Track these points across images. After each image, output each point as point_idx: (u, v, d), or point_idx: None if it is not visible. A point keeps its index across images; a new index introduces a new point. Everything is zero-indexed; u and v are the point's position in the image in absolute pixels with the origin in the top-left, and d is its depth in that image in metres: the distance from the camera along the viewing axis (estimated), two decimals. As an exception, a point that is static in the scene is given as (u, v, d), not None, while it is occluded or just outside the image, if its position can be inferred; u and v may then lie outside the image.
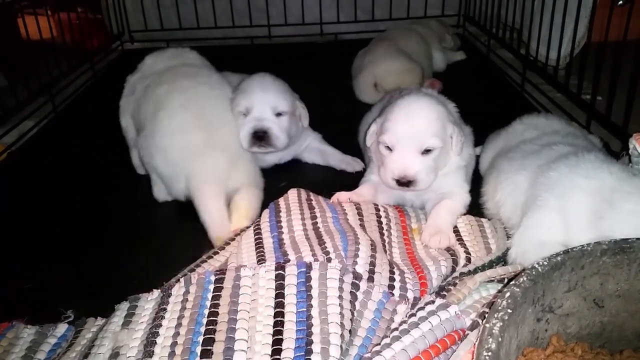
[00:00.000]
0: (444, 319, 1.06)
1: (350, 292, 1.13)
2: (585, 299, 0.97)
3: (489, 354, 0.78)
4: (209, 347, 1.01)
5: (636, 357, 0.96)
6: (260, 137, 1.78)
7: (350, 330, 1.06)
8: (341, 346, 1.00)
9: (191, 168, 1.65)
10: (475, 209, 1.61)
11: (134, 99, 1.93)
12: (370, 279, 1.20)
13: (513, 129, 1.76)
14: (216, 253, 1.43)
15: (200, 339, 1.03)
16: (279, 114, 1.83)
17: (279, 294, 1.11)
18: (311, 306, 1.07)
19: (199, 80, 1.87)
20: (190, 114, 1.72)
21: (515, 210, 1.42)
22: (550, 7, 2.44)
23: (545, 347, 0.94)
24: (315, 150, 2.05)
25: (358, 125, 2.05)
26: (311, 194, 1.57)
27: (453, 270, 1.33)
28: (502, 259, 1.38)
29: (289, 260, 1.21)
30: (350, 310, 1.09)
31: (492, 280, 1.27)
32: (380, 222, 1.49)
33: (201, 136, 1.69)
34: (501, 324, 0.82)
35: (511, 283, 0.88)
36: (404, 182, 1.47)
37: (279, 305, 1.09)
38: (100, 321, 1.23)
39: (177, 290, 1.17)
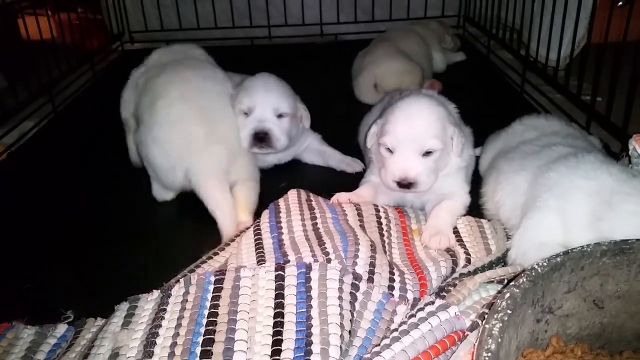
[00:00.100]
0: (444, 320, 1.06)
1: (350, 292, 1.13)
2: (585, 300, 0.97)
3: (489, 354, 0.78)
4: (208, 348, 1.01)
5: (636, 358, 0.96)
6: (261, 138, 1.79)
7: (350, 331, 1.06)
8: (341, 347, 1.00)
9: (192, 161, 1.66)
10: (475, 209, 1.61)
11: (136, 92, 1.93)
12: (370, 280, 1.20)
13: (513, 130, 1.76)
14: (216, 254, 1.43)
15: (200, 339, 1.03)
16: (280, 116, 1.83)
17: (279, 295, 1.11)
18: (311, 307, 1.07)
19: (201, 73, 1.87)
20: (190, 105, 1.72)
21: (514, 211, 1.42)
22: (550, 8, 2.44)
23: (544, 348, 0.95)
24: (315, 150, 2.06)
25: (358, 126, 2.05)
26: (311, 194, 1.57)
27: (453, 271, 1.33)
28: (501, 260, 1.38)
29: (288, 261, 1.21)
30: (350, 310, 1.09)
31: (492, 281, 1.27)
32: (380, 223, 1.49)
33: (203, 129, 1.69)
34: (501, 324, 0.82)
35: (511, 284, 0.88)
36: (405, 184, 1.47)
37: (279, 305, 1.09)
38: (100, 321, 1.23)
39: (177, 290, 1.17)
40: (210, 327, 1.05)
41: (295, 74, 2.40)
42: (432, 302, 1.11)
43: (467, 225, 1.52)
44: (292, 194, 1.55)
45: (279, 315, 1.07)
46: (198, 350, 1.01)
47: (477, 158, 1.84)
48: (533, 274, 0.89)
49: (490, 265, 1.35)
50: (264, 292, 1.12)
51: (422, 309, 1.09)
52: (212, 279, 1.17)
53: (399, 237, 1.47)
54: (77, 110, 2.79)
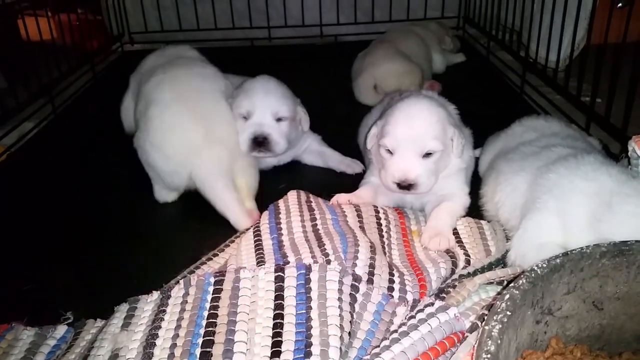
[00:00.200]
0: (443, 321, 1.06)
1: (350, 294, 1.13)
2: (585, 301, 0.97)
3: (488, 356, 0.78)
4: (208, 349, 1.01)
5: (635, 359, 0.96)
6: (260, 142, 1.79)
7: (349, 332, 1.06)
8: (340, 348, 1.00)
9: (195, 164, 1.67)
10: (475, 211, 1.61)
11: (133, 98, 1.95)
12: (370, 281, 1.20)
13: (512, 131, 1.76)
14: (216, 255, 1.43)
15: (200, 340, 1.03)
16: (279, 119, 1.83)
17: (279, 296, 1.11)
18: (310, 308, 1.07)
19: (190, 71, 1.87)
20: (184, 106, 1.72)
21: (514, 212, 1.42)
22: (549, 9, 2.44)
23: (544, 349, 0.95)
24: (315, 152, 2.05)
25: (358, 127, 2.05)
26: (311, 195, 1.57)
27: (452, 272, 1.33)
28: (501, 261, 1.38)
29: (288, 262, 1.21)
30: (350, 312, 1.09)
31: (492, 283, 1.27)
32: (379, 224, 1.49)
33: (200, 130, 1.70)
34: (500, 326, 0.82)
35: (510, 285, 0.88)
36: (405, 186, 1.48)
37: (279, 307, 1.09)
38: (99, 323, 1.23)
39: (177, 292, 1.17)
40: (210, 329, 1.05)
41: (295, 75, 2.41)
42: (432, 304, 1.11)
43: (466, 227, 1.52)
44: (292, 195, 1.55)
45: (278, 316, 1.07)
46: (198, 351, 1.01)
47: (477, 159, 1.84)
48: (532, 275, 0.89)
49: (489, 267, 1.35)
50: (264, 293, 1.13)
51: (421, 311, 1.10)
52: (212, 280, 1.17)
53: (398, 239, 1.47)
54: (77, 111, 2.79)
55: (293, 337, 1.02)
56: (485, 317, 0.87)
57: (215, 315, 1.08)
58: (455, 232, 1.49)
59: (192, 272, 1.35)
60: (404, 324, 1.07)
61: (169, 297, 1.16)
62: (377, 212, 1.54)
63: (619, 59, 1.83)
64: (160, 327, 1.09)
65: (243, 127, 1.80)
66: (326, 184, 1.80)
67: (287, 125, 1.85)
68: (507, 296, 0.86)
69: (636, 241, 0.96)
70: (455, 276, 1.32)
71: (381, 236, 1.44)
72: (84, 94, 3.01)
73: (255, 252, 1.31)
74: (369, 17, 3.82)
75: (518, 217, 1.38)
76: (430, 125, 1.48)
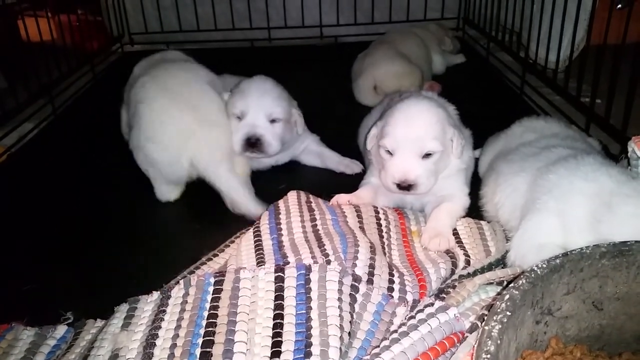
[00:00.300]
0: (443, 322, 1.06)
1: (350, 294, 1.13)
2: (584, 301, 0.97)
3: (488, 356, 0.78)
4: (208, 349, 1.01)
5: (635, 359, 0.97)
6: (252, 143, 1.79)
7: (349, 333, 1.06)
8: (340, 348, 1.00)
9: (194, 149, 1.69)
10: (475, 211, 1.61)
11: (126, 108, 1.99)
12: (370, 282, 1.20)
13: (512, 132, 1.76)
14: (216, 255, 1.43)
15: (200, 340, 1.03)
16: (273, 121, 1.83)
17: (279, 296, 1.11)
18: (310, 308, 1.07)
19: (172, 67, 1.91)
20: (171, 98, 1.74)
21: (514, 212, 1.42)
22: (549, 10, 2.44)
23: (544, 349, 0.95)
24: (313, 152, 2.05)
25: (357, 128, 2.05)
26: (311, 196, 1.57)
27: (452, 272, 1.33)
28: (501, 262, 1.38)
29: (288, 263, 1.21)
30: (350, 312, 1.09)
31: (492, 283, 1.27)
32: (379, 225, 1.49)
33: (191, 116, 1.72)
34: (500, 326, 0.82)
35: (510, 286, 0.88)
36: (405, 186, 1.48)
37: (279, 307, 1.09)
38: (99, 323, 1.23)
39: (177, 292, 1.17)
40: (210, 329, 1.05)
41: (295, 75, 2.41)
42: (432, 304, 1.11)
43: (466, 227, 1.52)
44: (292, 195, 1.55)
45: (278, 316, 1.07)
46: (198, 351, 1.01)
47: (477, 160, 1.84)
48: (532, 275, 0.89)
49: (489, 267, 1.35)
50: (264, 293, 1.13)
51: (421, 311, 1.10)
52: (212, 280, 1.17)
53: (398, 239, 1.47)
54: (77, 111, 2.79)
55: (293, 337, 1.02)
56: (485, 318, 0.87)
57: (215, 316, 1.08)
58: (455, 233, 1.50)
59: (192, 272, 1.35)
60: (403, 324, 1.07)
61: (169, 297, 1.16)
62: (377, 212, 1.54)
63: (619, 59, 1.84)
64: (160, 327, 1.09)
65: (237, 127, 1.81)
66: (326, 185, 1.80)
67: (281, 126, 1.85)
68: (507, 296, 0.86)
69: (636, 242, 0.96)
70: (455, 276, 1.32)
71: (381, 236, 1.44)
72: (84, 95, 3.02)
73: (255, 252, 1.31)
74: (369, 18, 3.83)
75: (518, 218, 1.38)
76: (429, 126, 1.48)
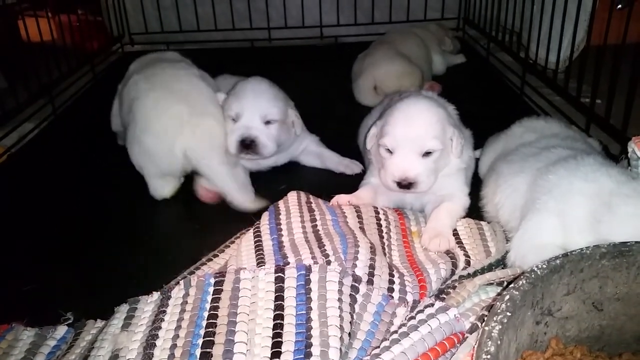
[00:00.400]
0: (444, 322, 1.06)
1: (350, 294, 1.13)
2: (584, 302, 0.97)
3: (488, 357, 0.78)
4: (208, 350, 1.01)
5: (635, 360, 0.97)
6: (247, 145, 1.79)
7: (349, 333, 1.06)
8: (340, 349, 1.00)
9: (188, 140, 1.71)
10: (475, 212, 1.61)
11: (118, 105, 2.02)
12: (370, 282, 1.20)
13: (512, 132, 1.76)
14: (216, 256, 1.43)
15: (200, 341, 1.03)
16: (268, 122, 1.83)
17: (279, 297, 1.11)
18: (311, 309, 1.07)
19: (163, 64, 1.94)
20: (163, 91, 1.78)
21: (514, 213, 1.42)
22: (549, 10, 2.44)
23: (544, 350, 0.95)
24: (313, 153, 2.05)
25: (358, 128, 2.05)
26: (311, 196, 1.57)
27: (452, 273, 1.33)
28: (501, 262, 1.38)
29: (288, 263, 1.21)
30: (350, 313, 1.09)
31: (492, 283, 1.27)
32: (379, 225, 1.49)
33: (184, 107, 1.74)
34: (500, 327, 0.82)
35: (510, 286, 0.88)
36: (405, 185, 1.48)
37: (279, 307, 1.09)
38: (99, 323, 1.23)
39: (177, 292, 1.17)
40: (210, 329, 1.05)
41: (295, 76, 2.42)
42: (432, 304, 1.11)
43: (466, 228, 1.52)
44: (292, 196, 1.55)
45: (278, 317, 1.07)
46: (198, 352, 1.01)
47: (477, 160, 1.84)
48: (532, 276, 0.89)
49: (489, 268, 1.35)
50: (264, 294, 1.13)
51: (421, 311, 1.10)
52: (212, 280, 1.17)
53: (398, 239, 1.47)
54: (77, 111, 2.79)
55: (293, 337, 1.02)
56: (485, 318, 0.87)
57: (216, 316, 1.08)
58: (455, 233, 1.50)
59: (192, 272, 1.35)
60: (404, 324, 1.07)
61: (169, 297, 1.16)
62: (377, 212, 1.54)
63: (619, 60, 1.84)
64: (160, 327, 1.09)
65: (232, 128, 1.81)
66: (326, 185, 1.80)
67: (276, 128, 1.84)
68: (507, 297, 0.86)
69: (636, 242, 0.96)
70: (455, 277, 1.32)
71: (381, 237, 1.44)
72: (84, 95, 3.02)
73: (256, 252, 1.31)
74: (369, 18, 3.83)
75: (518, 218, 1.38)
76: (429, 125, 1.48)
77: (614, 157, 1.67)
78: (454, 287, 1.25)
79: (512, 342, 0.87)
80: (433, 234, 1.44)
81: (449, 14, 3.91)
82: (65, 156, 2.28)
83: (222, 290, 1.14)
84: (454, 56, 3.31)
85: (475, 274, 1.32)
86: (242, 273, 1.18)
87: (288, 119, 1.91)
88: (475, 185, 1.70)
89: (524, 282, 0.88)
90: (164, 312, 1.13)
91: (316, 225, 1.41)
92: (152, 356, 1.03)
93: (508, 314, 0.84)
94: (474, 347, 1.01)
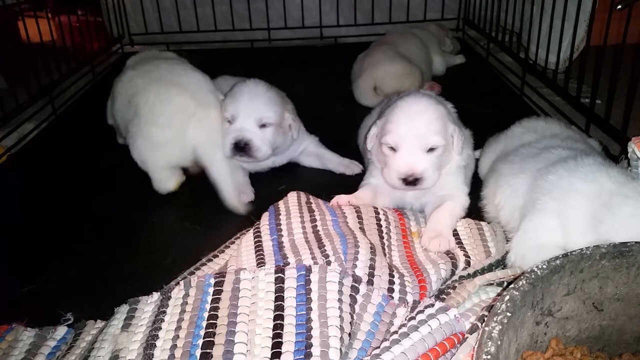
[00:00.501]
0: (444, 322, 1.06)
1: (350, 295, 1.13)
2: (585, 302, 0.97)
3: (488, 357, 0.78)
4: (208, 350, 1.01)
5: (635, 360, 0.97)
6: (241, 148, 1.79)
7: (349, 334, 1.06)
8: (341, 349, 1.00)
9: (194, 129, 1.75)
10: (475, 212, 1.61)
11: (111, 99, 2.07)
12: (370, 282, 1.20)
13: (512, 133, 1.76)
14: (216, 256, 1.43)
15: (200, 342, 1.03)
16: (263, 125, 1.82)
17: (279, 297, 1.11)
18: (311, 309, 1.07)
19: (157, 60, 1.98)
20: (162, 83, 1.80)
21: (514, 213, 1.42)
22: (549, 11, 2.44)
23: (544, 350, 0.95)
24: (312, 153, 2.05)
25: (357, 128, 2.05)
26: (311, 197, 1.57)
27: (452, 273, 1.33)
28: (501, 263, 1.38)
29: (288, 264, 1.21)
30: (350, 313, 1.09)
31: (492, 284, 1.27)
32: (379, 225, 1.49)
33: (188, 96, 1.77)
34: (500, 327, 0.82)
35: (510, 286, 0.88)
36: (411, 181, 1.48)
37: (279, 308, 1.09)
38: (99, 324, 1.23)
39: (177, 293, 1.17)
40: (210, 330, 1.05)
41: (294, 76, 2.42)
42: (432, 305, 1.11)
43: (466, 228, 1.52)
44: (292, 196, 1.56)
45: (278, 317, 1.07)
46: (198, 352, 1.01)
47: (477, 161, 1.84)
48: (532, 276, 0.89)
49: (489, 268, 1.35)
50: (264, 294, 1.13)
51: (421, 312, 1.10)
52: (212, 281, 1.17)
53: (398, 240, 1.47)
54: (77, 112, 2.79)
55: (293, 338, 1.02)
56: (485, 318, 0.87)
57: (216, 317, 1.08)
58: (455, 234, 1.50)
59: (192, 273, 1.35)
60: (404, 325, 1.07)
61: (169, 298, 1.16)
62: (377, 213, 1.54)
63: (619, 60, 1.84)
64: (160, 328, 1.09)
65: (227, 130, 1.81)
66: (326, 185, 1.80)
67: (271, 131, 1.84)
68: (507, 297, 0.86)
69: (636, 242, 0.96)
70: (455, 277, 1.32)
71: (381, 237, 1.44)
72: (84, 96, 3.02)
73: (256, 253, 1.31)
74: (369, 19, 3.83)
75: (518, 219, 1.38)
76: (432, 121, 1.49)
77: (614, 158, 1.67)
78: (454, 288, 1.25)
79: (512, 343, 0.87)
80: (433, 234, 1.44)
81: (449, 15, 3.91)
82: (65, 157, 2.28)
83: (222, 290, 1.14)
84: (454, 57, 3.32)
85: (475, 274, 1.32)
86: (242, 273, 1.18)
87: (284, 123, 1.89)
88: (476, 185, 1.70)
89: (524, 282, 0.88)
90: (164, 312, 1.13)
91: (316, 226, 1.41)
92: (152, 357, 1.03)
93: (508, 314, 0.84)
94: (474, 347, 1.01)
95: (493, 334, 0.81)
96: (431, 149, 1.49)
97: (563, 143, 1.54)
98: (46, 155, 2.30)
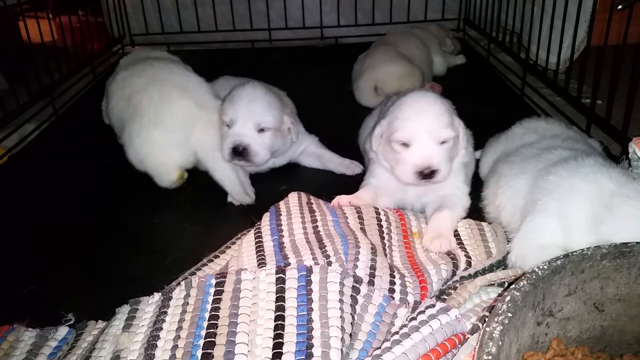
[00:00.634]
0: (445, 323, 1.06)
1: (351, 295, 1.13)
2: (586, 302, 0.97)
3: (489, 357, 0.78)
4: (209, 351, 1.01)
5: (636, 361, 0.97)
6: (239, 152, 1.78)
7: (350, 334, 1.06)
8: (342, 350, 1.00)
9: (199, 134, 1.78)
10: (476, 213, 1.61)
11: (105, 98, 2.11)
12: (371, 283, 1.20)
13: (513, 133, 1.76)
14: (217, 256, 1.43)
15: (201, 342, 1.03)
16: (262, 130, 1.81)
17: (280, 298, 1.11)
18: (312, 310, 1.07)
19: (150, 60, 1.99)
20: (160, 84, 1.81)
21: (515, 214, 1.42)
22: (550, 11, 2.44)
23: (545, 351, 0.95)
24: (313, 154, 2.05)
25: (358, 129, 2.05)
26: (312, 197, 1.57)
27: (453, 274, 1.33)
28: (502, 263, 1.38)
29: (289, 264, 1.21)
30: (351, 314, 1.09)
31: (493, 284, 1.27)
32: (380, 226, 1.49)
33: (189, 100, 1.79)
34: (501, 327, 0.82)
35: (511, 287, 0.88)
36: (427, 173, 1.48)
37: (280, 308, 1.09)
38: (101, 324, 1.23)
39: (178, 293, 1.17)
40: (211, 330, 1.05)
41: (295, 77, 2.42)
42: (433, 305, 1.11)
43: (467, 228, 1.52)
44: (293, 196, 1.56)
45: (279, 318, 1.07)
46: (199, 353, 1.01)
47: (478, 161, 1.84)
48: (533, 277, 0.89)
49: (490, 268, 1.35)
50: (265, 294, 1.13)
51: (422, 312, 1.10)
52: (213, 281, 1.17)
53: (399, 240, 1.47)
54: (78, 112, 2.80)
55: (294, 338, 1.02)
56: (486, 319, 0.87)
57: (217, 317, 1.08)
58: (456, 234, 1.50)
59: (193, 273, 1.35)
60: (405, 325, 1.07)
61: (170, 298, 1.16)
62: (378, 213, 1.54)
63: (619, 60, 1.84)
64: (161, 328, 1.09)
65: (225, 134, 1.80)
66: (326, 186, 1.80)
67: (270, 136, 1.83)
68: (508, 298, 0.86)
69: (637, 243, 0.96)
70: (456, 278, 1.32)
71: (382, 238, 1.44)
72: (85, 96, 3.02)
73: (256, 253, 1.31)
74: (370, 19, 3.83)
75: (519, 219, 1.38)
76: (441, 115, 1.51)
77: (615, 158, 1.67)
78: (455, 288, 1.25)
79: (513, 343, 0.87)
80: (434, 234, 1.44)
81: (450, 15, 3.91)
82: (66, 157, 2.28)
83: (223, 291, 1.14)
84: (455, 57, 3.32)
85: (476, 274, 1.32)
86: (243, 274, 1.18)
87: (283, 126, 1.88)
88: (476, 186, 1.70)
89: (525, 282, 0.88)
90: (165, 313, 1.13)
91: (317, 226, 1.41)
92: (153, 357, 1.03)
93: (509, 314, 0.84)
94: (475, 347, 1.01)
95: (494, 335, 0.81)
96: (442, 142, 1.50)
97: (564, 143, 1.54)
98: (47, 156, 2.30)
